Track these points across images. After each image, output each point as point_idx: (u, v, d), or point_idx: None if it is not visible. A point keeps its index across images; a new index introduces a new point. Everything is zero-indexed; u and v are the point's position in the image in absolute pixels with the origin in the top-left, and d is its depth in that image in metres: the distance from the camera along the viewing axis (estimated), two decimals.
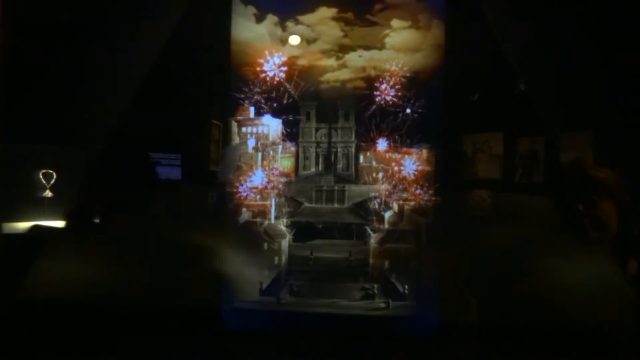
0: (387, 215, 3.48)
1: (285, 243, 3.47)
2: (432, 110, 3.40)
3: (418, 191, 3.45)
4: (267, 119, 3.50)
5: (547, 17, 3.31)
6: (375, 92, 3.47)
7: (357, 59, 3.48)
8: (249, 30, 3.47)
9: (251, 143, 3.51)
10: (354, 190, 3.54)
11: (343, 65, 3.48)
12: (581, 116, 3.30)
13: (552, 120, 3.44)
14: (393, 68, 3.45)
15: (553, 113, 3.43)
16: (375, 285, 3.40)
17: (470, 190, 3.67)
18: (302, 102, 3.52)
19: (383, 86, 3.46)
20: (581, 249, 3.06)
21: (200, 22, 3.48)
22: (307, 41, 3.49)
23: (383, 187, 3.51)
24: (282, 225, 3.50)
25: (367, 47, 3.47)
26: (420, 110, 3.43)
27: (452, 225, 3.40)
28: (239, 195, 3.46)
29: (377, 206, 3.49)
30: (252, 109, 3.50)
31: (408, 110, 3.44)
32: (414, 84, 3.44)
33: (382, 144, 3.49)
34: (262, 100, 3.47)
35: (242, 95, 3.45)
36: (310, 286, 3.40)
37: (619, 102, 3.14)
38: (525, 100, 3.48)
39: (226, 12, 3.47)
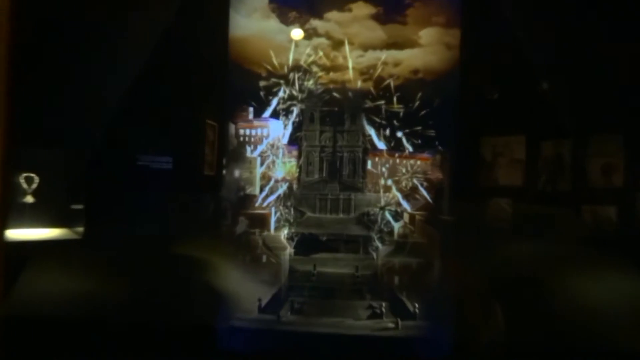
0: (397, 226, 3.52)
1: (285, 256, 3.51)
2: (447, 111, 3.44)
3: (431, 200, 3.50)
4: (268, 120, 3.56)
5: (573, 8, 3.28)
6: (385, 93, 3.53)
7: (365, 57, 3.53)
8: (250, 24, 3.55)
9: (249, 146, 3.59)
10: (361, 199, 3.57)
11: (351, 64, 3.55)
12: (611, 118, 3.31)
13: (580, 122, 3.47)
14: (405, 67, 3.51)
15: (580, 114, 3.46)
16: (384, 304, 3.42)
17: (489, 198, 3.61)
18: (305, 103, 3.58)
19: (394, 86, 3.52)
20: (608, 263, 3.10)
21: (196, 13, 3.48)
22: (313, 37, 3.57)
23: (392, 196, 3.56)
24: (282, 236, 3.55)
25: (377, 46, 3.53)
26: (434, 112, 3.48)
27: (468, 237, 3.40)
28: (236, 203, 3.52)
29: (386, 216, 3.54)
30: (251, 109, 3.55)
31: (421, 112, 3.48)
32: (428, 84, 3.50)
33: (392, 149, 3.55)
34: (263, 100, 3.52)
35: (241, 94, 3.53)
36: (313, 304, 3.45)
37: None
38: (550, 99, 3.49)
39: (224, 3, 3.53)
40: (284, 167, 3.61)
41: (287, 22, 3.55)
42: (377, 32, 3.53)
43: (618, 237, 3.20)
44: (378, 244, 3.54)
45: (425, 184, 3.52)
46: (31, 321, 2.90)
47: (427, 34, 3.50)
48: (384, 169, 3.59)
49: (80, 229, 3.45)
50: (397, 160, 3.56)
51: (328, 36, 3.53)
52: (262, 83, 3.51)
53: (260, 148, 3.59)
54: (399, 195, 3.56)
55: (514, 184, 3.62)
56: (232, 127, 3.57)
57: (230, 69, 3.47)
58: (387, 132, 3.53)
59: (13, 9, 2.52)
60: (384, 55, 3.51)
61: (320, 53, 3.52)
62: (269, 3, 3.58)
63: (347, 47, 3.52)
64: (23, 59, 2.65)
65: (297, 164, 3.63)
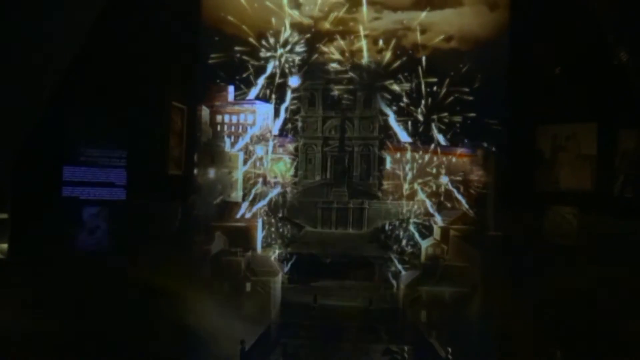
0: (425, 244, 3.09)
1: (277, 284, 3.09)
2: (491, 92, 3.00)
3: (470, 210, 3.11)
4: (254, 103, 3.10)
5: None
6: (410, 66, 3.15)
7: (382, 20, 3.07)
8: None
9: (229, 138, 3.12)
10: (377, 209, 3.18)
11: (366, 30, 3.10)
12: None
13: None
14: (435, 33, 3.07)
15: None
16: (406, 347, 3.04)
17: (547, 207, 3.23)
18: (303, 81, 3.18)
19: (422, 58, 3.12)
20: None
21: None
22: None
23: (419, 205, 3.21)
24: (272, 258, 3.14)
25: (399, 5, 3.08)
26: (473, 94, 3.10)
27: (520, 259, 3.09)
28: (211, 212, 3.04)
29: (410, 232, 3.15)
30: (231, 88, 3.08)
31: (455, 94, 3.14)
32: (465, 55, 3.10)
33: (418, 143, 3.24)
34: (248, 77, 3.09)
35: (217, 68, 3.04)
36: (313, 347, 3.05)
37: None
38: (629, 76, 2.95)
39: None
40: (275, 166, 3.22)
41: None
42: None
43: None
44: (399, 267, 3.14)
45: (462, 188, 3.10)
46: None
47: None
48: (407, 169, 3.19)
49: (3, 246, 2.98)
50: (426, 157, 3.15)
51: None
52: (246, 53, 3.06)
53: (243, 141, 3.13)
54: (427, 203, 3.18)
55: (580, 188, 3.18)
56: (205, 112, 3.03)
57: (203, 32, 2.98)
58: (413, 119, 3.17)
59: None
60: (407, 17, 3.05)
61: (330, 13, 3.06)
62: None
63: (364, 7, 3.02)
64: None
65: (293, 161, 3.25)
